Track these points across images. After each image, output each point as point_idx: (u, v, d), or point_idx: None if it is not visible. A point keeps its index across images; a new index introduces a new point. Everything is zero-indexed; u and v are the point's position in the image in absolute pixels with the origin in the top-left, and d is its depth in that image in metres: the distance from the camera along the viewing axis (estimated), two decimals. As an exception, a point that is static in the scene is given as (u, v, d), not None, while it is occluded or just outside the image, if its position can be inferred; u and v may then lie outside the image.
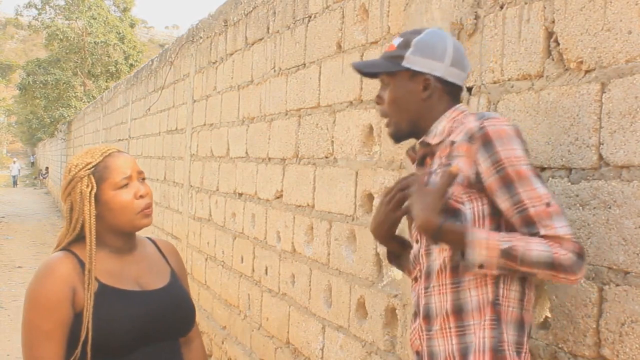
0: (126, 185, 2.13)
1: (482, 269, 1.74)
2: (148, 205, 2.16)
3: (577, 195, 2.00)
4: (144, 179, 2.20)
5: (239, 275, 5.37)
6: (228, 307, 5.65)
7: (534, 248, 1.70)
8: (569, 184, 2.04)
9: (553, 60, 2.15)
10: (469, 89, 2.59)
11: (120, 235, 2.17)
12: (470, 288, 1.81)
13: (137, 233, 2.25)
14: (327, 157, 3.85)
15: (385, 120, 2.05)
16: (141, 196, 2.14)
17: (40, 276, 2.07)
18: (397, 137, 2.04)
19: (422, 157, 1.99)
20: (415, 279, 1.98)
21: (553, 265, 1.69)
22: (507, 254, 1.70)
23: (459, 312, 1.82)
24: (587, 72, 2.01)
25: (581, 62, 2.02)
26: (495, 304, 1.80)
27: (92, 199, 2.10)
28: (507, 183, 1.75)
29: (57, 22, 36.77)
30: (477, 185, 1.80)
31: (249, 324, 5.10)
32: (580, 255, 1.71)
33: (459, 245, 1.76)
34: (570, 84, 2.06)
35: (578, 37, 2.03)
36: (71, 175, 2.14)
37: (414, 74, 1.95)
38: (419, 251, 1.95)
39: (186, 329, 2.27)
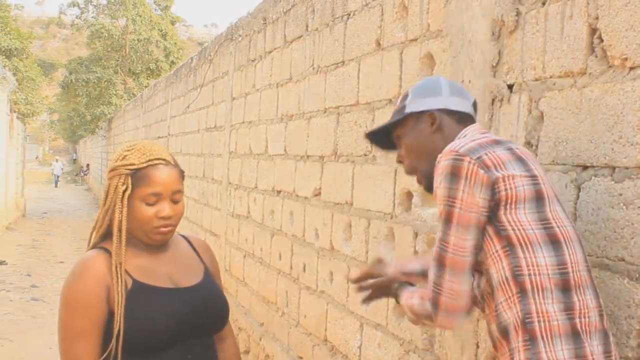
0: (154, 201, 2.14)
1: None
2: (166, 225, 2.14)
3: (621, 195, 1.97)
4: (177, 199, 2.17)
5: (277, 272, 5.39)
6: (266, 304, 5.68)
7: (413, 300, 1.94)
8: (613, 182, 2.01)
9: (596, 57, 2.12)
10: (510, 87, 2.57)
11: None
12: (505, 310, 1.76)
13: None
14: (365, 155, 3.84)
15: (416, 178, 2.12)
16: (163, 217, 2.13)
17: (74, 275, 2.10)
18: (430, 188, 1.99)
19: None
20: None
21: (415, 314, 1.93)
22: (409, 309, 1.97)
23: (505, 335, 1.75)
24: (631, 69, 1.97)
25: (626, 59, 1.99)
26: (526, 323, 1.70)
27: (126, 199, 2.12)
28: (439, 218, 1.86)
29: (101, 20, 37.35)
30: None
31: (287, 321, 5.12)
32: (434, 304, 1.83)
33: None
34: (614, 81, 2.03)
35: (623, 34, 2.00)
36: (114, 165, 2.16)
37: (419, 116, 2.04)
38: (476, 284, 1.98)
39: (219, 326, 2.28)
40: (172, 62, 34.09)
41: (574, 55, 2.21)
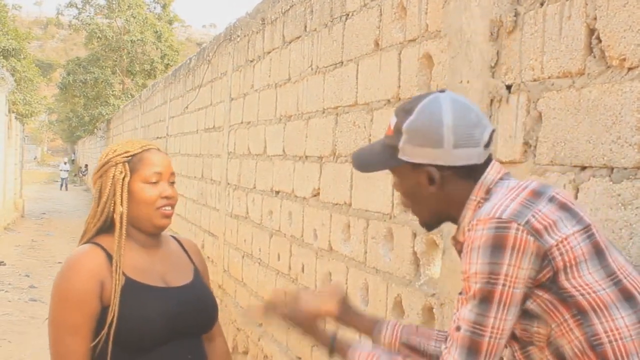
0: (155, 182, 2.15)
1: None
2: (169, 205, 2.17)
3: (619, 195, 1.97)
4: (173, 182, 2.22)
5: (276, 273, 5.39)
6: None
7: None
8: (611, 183, 2.01)
9: (595, 57, 2.12)
10: (508, 87, 2.57)
11: (142, 231, 2.20)
12: None
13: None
14: (364, 155, 3.84)
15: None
16: (166, 197, 2.16)
17: (67, 270, 2.10)
18: (428, 228, 1.81)
19: (461, 252, 1.70)
20: None
21: None
22: None
23: None
24: (630, 69, 1.97)
25: (624, 60, 1.99)
26: None
27: (126, 186, 2.13)
28: (463, 291, 1.57)
29: (97, 20, 37.41)
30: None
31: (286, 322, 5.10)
32: None
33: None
34: (613, 82, 2.03)
35: (621, 34, 2.00)
36: (107, 159, 2.17)
37: (415, 165, 1.66)
38: (514, 356, 1.68)
39: (209, 326, 2.30)
40: (167, 65, 34.08)
41: (573, 55, 2.21)
